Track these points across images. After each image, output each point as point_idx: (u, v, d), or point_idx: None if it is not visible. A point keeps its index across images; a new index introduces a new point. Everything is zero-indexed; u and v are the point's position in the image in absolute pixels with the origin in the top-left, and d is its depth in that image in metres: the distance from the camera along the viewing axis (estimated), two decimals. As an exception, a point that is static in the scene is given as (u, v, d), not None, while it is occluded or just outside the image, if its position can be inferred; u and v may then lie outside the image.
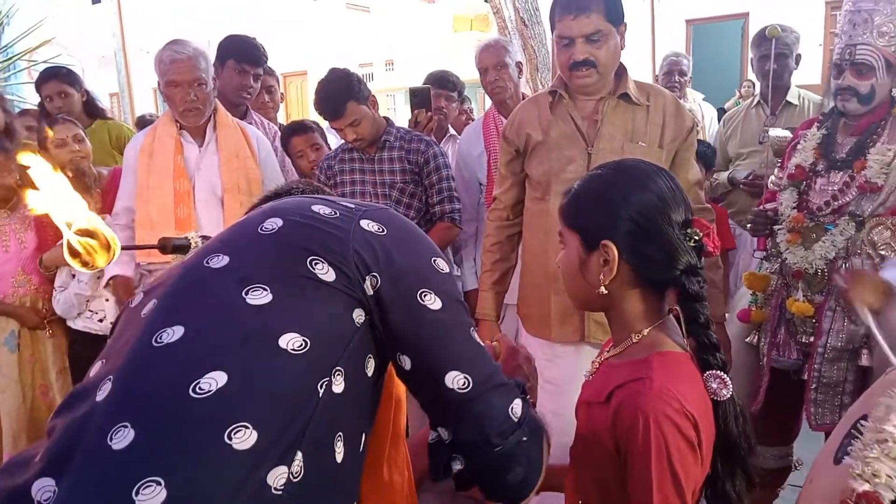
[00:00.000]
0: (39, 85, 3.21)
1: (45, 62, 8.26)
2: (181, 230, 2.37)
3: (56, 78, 3.20)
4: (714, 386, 1.00)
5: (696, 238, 1.02)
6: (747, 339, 2.15)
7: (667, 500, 0.93)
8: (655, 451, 0.92)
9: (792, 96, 3.03)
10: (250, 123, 2.77)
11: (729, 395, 1.00)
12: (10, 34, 8.09)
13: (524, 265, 2.09)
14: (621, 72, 1.95)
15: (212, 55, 2.61)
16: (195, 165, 2.45)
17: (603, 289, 1.04)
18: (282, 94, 3.56)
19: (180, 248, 2.23)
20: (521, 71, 2.86)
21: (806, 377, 2.00)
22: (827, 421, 1.98)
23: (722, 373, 1.01)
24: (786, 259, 2.00)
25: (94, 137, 2.97)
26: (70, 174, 2.46)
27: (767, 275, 2.10)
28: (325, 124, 2.76)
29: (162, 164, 2.41)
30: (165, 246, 2.22)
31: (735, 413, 1.03)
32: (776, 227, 2.06)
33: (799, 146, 2.07)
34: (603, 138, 1.90)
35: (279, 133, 2.99)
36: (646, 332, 1.04)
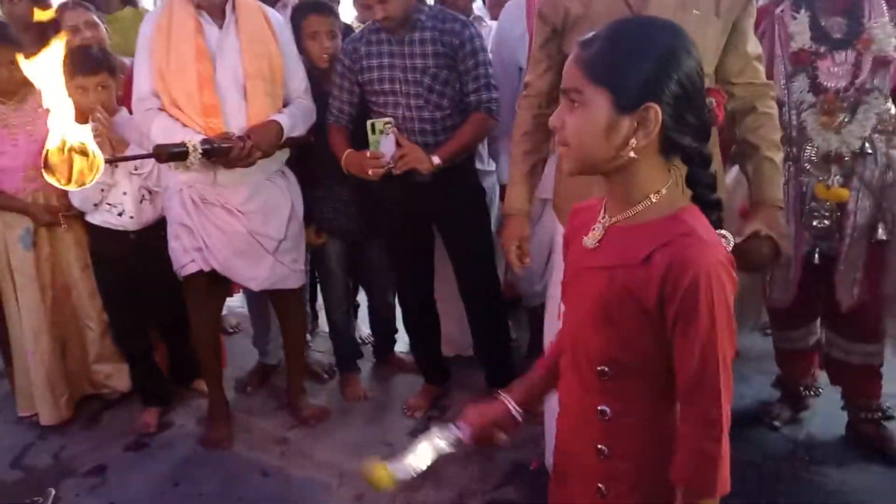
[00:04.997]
0: None
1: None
2: (208, 118, 2.20)
3: None
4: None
5: (711, 107, 1.01)
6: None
7: (725, 346, 0.95)
8: (718, 300, 0.93)
9: None
10: None
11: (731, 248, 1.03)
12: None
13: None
14: None
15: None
16: (216, 47, 2.23)
17: (633, 153, 0.97)
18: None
19: (177, 155, 2.08)
20: None
21: (824, 260, 2.12)
22: (845, 299, 2.12)
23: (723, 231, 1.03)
24: (817, 145, 2.03)
25: None
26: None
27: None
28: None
29: (182, 45, 2.19)
30: (161, 154, 2.08)
31: None
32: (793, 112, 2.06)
33: (792, 29, 2.05)
34: (652, 6, 1.65)
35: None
36: (664, 190, 1.01)
